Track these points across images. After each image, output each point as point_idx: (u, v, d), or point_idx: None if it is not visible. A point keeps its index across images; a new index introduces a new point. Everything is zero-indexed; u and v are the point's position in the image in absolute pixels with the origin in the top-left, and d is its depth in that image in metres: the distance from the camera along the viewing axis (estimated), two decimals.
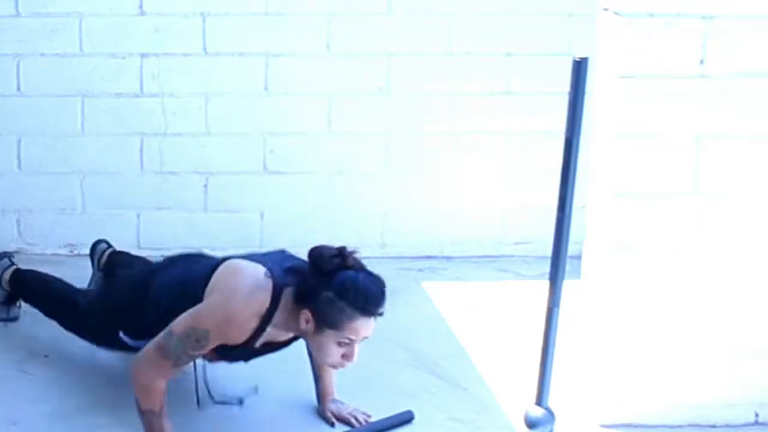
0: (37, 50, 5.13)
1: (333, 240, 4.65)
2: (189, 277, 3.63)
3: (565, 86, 3.32)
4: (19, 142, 5.22)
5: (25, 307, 4.66)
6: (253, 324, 3.41)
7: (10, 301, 4.44)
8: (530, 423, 3.52)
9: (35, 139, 5.22)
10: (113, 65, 5.19)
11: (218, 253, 5.04)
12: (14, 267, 4.45)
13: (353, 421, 3.75)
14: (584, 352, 3.89)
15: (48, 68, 5.15)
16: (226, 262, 3.59)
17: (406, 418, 3.79)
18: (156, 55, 5.18)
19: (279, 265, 3.49)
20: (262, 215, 5.32)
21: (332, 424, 3.76)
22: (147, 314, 3.66)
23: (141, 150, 5.24)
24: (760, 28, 3.57)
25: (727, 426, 3.79)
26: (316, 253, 3.41)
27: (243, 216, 5.31)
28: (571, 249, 3.43)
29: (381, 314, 3.41)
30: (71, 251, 5.30)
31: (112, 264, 4.59)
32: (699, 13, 3.54)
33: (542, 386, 3.50)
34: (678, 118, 3.61)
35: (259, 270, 3.47)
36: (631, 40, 3.54)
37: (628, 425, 3.76)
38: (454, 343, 4.45)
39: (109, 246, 4.69)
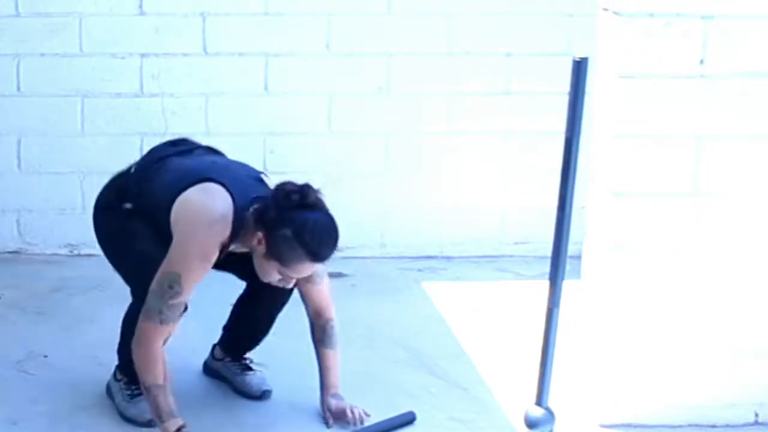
0: (37, 50, 5.14)
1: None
2: (171, 178, 3.62)
3: (565, 86, 3.32)
4: (19, 142, 5.23)
5: (24, 308, 4.67)
6: (216, 253, 3.47)
7: (135, 393, 3.77)
8: (530, 423, 3.51)
9: (35, 139, 5.22)
10: (113, 65, 5.19)
11: None
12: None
13: (349, 413, 3.74)
14: (584, 352, 3.89)
15: (48, 68, 5.15)
16: (187, 196, 3.53)
17: (408, 419, 3.79)
18: (156, 55, 5.18)
19: (245, 191, 3.52)
20: None
21: (327, 423, 3.76)
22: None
23: (141, 150, 5.22)
24: (760, 28, 3.57)
25: (727, 426, 3.78)
26: (279, 188, 3.47)
27: None
28: (571, 249, 3.42)
29: (328, 260, 3.47)
30: (71, 251, 5.30)
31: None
32: (699, 13, 3.54)
33: (542, 386, 3.50)
34: (678, 118, 3.61)
35: (220, 201, 3.49)
36: (631, 40, 3.54)
37: (628, 425, 3.76)
38: (454, 343, 4.45)
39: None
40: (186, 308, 3.54)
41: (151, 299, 3.46)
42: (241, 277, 3.81)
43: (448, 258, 5.43)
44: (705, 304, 3.70)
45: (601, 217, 3.73)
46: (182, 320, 3.59)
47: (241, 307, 3.93)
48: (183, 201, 3.54)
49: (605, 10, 3.66)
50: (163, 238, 3.55)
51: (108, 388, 3.85)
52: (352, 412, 3.75)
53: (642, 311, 3.70)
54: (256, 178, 3.67)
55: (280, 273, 3.47)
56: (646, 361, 3.73)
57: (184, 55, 5.19)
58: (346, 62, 5.26)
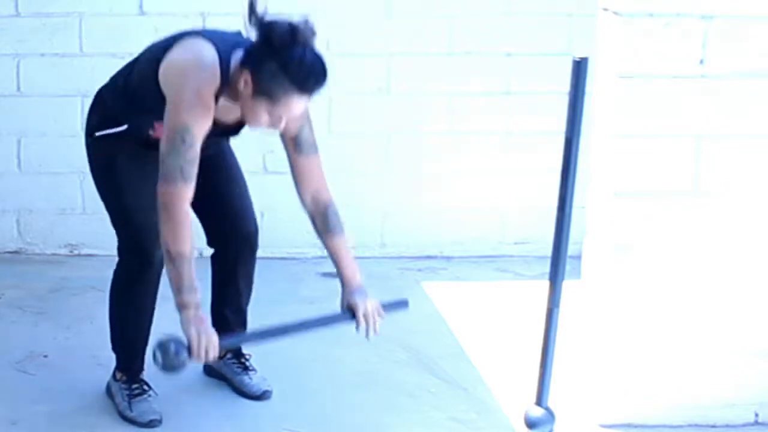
0: (37, 50, 5.13)
1: None
2: (150, 54, 3.64)
3: (565, 86, 3.32)
4: (19, 142, 5.23)
5: (24, 308, 4.67)
6: (213, 102, 3.42)
7: (136, 393, 3.79)
8: (530, 423, 3.52)
9: (35, 139, 5.22)
10: (113, 65, 5.17)
11: None
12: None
13: (361, 323, 3.56)
14: (584, 352, 3.89)
15: (48, 68, 5.15)
16: (171, 56, 3.51)
17: (401, 301, 3.73)
18: None
19: (227, 42, 3.49)
20: (262, 215, 5.29)
21: (357, 327, 3.58)
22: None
23: None
24: (760, 28, 3.57)
25: (727, 426, 3.78)
26: (268, 24, 3.40)
27: None
28: (571, 249, 3.43)
29: (316, 93, 3.43)
30: (71, 251, 5.30)
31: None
32: (699, 13, 3.54)
33: (542, 386, 3.50)
34: (678, 118, 3.61)
35: (204, 51, 3.46)
36: (631, 40, 3.54)
37: (628, 425, 3.76)
38: (454, 343, 4.45)
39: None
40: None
41: (167, 160, 3.38)
42: (211, 236, 3.88)
43: (448, 258, 5.43)
44: (705, 304, 3.70)
45: (601, 217, 3.73)
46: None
47: (218, 274, 3.91)
48: (168, 62, 3.49)
49: (605, 10, 3.66)
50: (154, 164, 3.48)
51: (108, 388, 3.85)
52: (365, 321, 3.57)
53: (642, 311, 3.70)
54: (235, 32, 3.60)
55: (268, 112, 3.39)
56: (646, 361, 3.73)
57: None
58: (346, 62, 5.25)
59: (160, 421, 3.69)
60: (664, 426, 3.76)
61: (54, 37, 5.13)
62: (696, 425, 3.77)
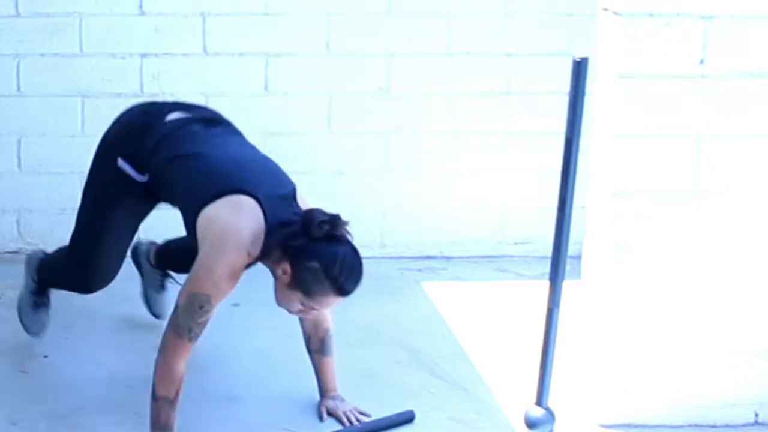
0: (37, 50, 5.13)
1: None
2: (199, 182, 3.57)
3: (565, 86, 3.33)
4: (19, 142, 5.23)
5: None
6: (244, 267, 3.46)
7: (39, 302, 4.29)
8: (530, 423, 3.52)
9: (35, 139, 5.22)
10: (113, 65, 5.19)
11: None
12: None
13: (344, 419, 3.75)
14: (584, 352, 3.89)
15: (48, 68, 5.15)
16: (217, 213, 3.47)
17: (407, 418, 3.79)
18: (156, 55, 5.18)
19: (277, 209, 3.45)
20: None
21: (320, 418, 3.78)
22: (146, 148, 3.70)
23: None
24: (760, 28, 3.57)
25: (727, 426, 3.79)
26: (308, 216, 3.41)
27: None
28: (571, 249, 3.43)
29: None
30: None
31: (163, 257, 4.45)
32: (699, 13, 3.54)
33: (542, 386, 3.50)
34: (678, 118, 3.61)
35: (252, 223, 3.43)
36: (631, 40, 3.54)
37: (628, 425, 3.76)
38: (454, 343, 4.45)
39: (152, 242, 4.53)
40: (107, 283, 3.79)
41: (181, 317, 3.44)
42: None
43: (448, 258, 5.43)
44: (705, 304, 3.70)
45: (601, 217, 3.73)
46: None
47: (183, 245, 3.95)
48: (211, 217, 3.48)
49: (605, 10, 3.66)
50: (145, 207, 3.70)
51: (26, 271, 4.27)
52: (349, 419, 3.75)
53: (642, 311, 3.70)
54: (290, 191, 3.57)
55: (302, 304, 3.43)
56: (646, 361, 3.73)
57: (184, 55, 5.19)
58: (346, 62, 5.26)
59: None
60: (664, 426, 3.76)
61: (54, 37, 5.13)
62: (696, 425, 3.77)
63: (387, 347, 4.36)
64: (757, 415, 3.81)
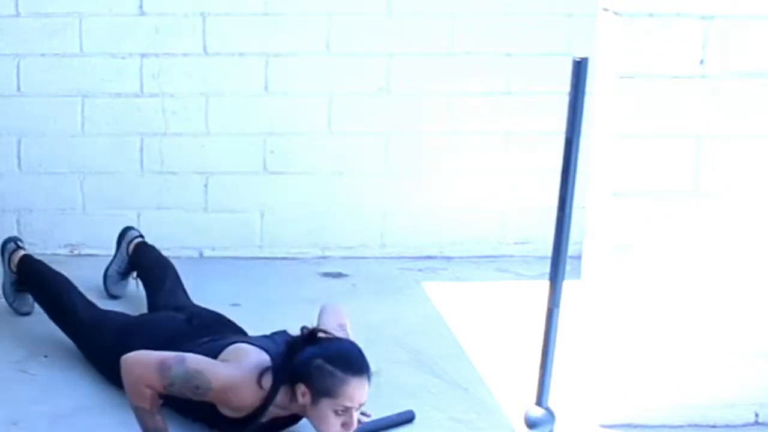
0: (37, 50, 5.13)
1: (334, 240, 4.68)
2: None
3: (565, 86, 3.33)
4: (19, 142, 5.23)
5: None
6: (250, 402, 3.47)
7: (21, 289, 4.54)
8: (530, 423, 3.52)
9: (35, 139, 5.22)
10: (113, 65, 5.19)
11: (219, 254, 5.07)
12: (23, 252, 4.57)
13: None
14: (584, 352, 3.89)
15: (48, 68, 5.15)
16: (236, 344, 3.61)
17: (407, 418, 3.79)
18: (156, 55, 5.18)
19: (277, 349, 3.54)
20: (262, 215, 5.32)
21: None
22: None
23: (141, 150, 5.24)
24: (760, 28, 3.57)
25: (727, 426, 3.78)
26: (293, 340, 3.51)
27: (243, 216, 5.31)
28: (571, 249, 3.43)
29: (371, 375, 3.45)
30: (71, 251, 5.30)
31: (138, 255, 4.68)
32: (699, 13, 3.54)
33: (542, 386, 3.50)
34: (678, 118, 3.61)
35: (263, 358, 3.51)
36: (631, 40, 3.54)
37: (628, 425, 3.76)
38: (454, 343, 4.45)
39: (141, 235, 4.77)
40: None
41: (179, 369, 3.43)
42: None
43: (448, 258, 5.43)
44: (705, 304, 3.70)
45: (601, 217, 3.73)
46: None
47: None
48: (238, 347, 3.57)
49: (605, 10, 3.66)
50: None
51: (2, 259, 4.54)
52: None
53: (642, 311, 3.70)
54: (283, 336, 3.64)
55: (335, 412, 3.39)
56: (646, 361, 3.73)
57: (184, 55, 5.19)
58: (346, 62, 5.26)
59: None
60: (664, 426, 3.76)
61: (54, 37, 5.13)
62: (696, 425, 3.77)
63: (387, 347, 4.36)
64: (757, 415, 3.81)
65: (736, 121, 3.62)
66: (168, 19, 5.15)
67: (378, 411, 3.80)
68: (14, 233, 5.23)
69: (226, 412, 3.51)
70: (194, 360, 3.47)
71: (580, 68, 3.26)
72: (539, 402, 3.51)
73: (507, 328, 4.59)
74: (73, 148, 5.23)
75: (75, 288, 4.25)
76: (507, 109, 5.33)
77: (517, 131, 5.36)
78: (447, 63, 5.29)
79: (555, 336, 3.45)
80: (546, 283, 3.45)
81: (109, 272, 4.74)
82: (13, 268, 4.53)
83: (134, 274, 4.68)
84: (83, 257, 5.22)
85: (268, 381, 3.45)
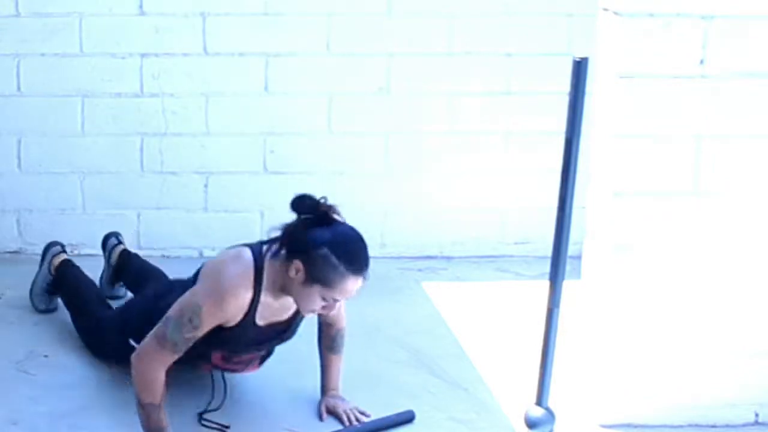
0: (37, 50, 5.13)
1: None
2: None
3: (565, 86, 3.32)
4: (19, 142, 5.23)
5: (24, 308, 4.67)
6: (244, 293, 3.46)
7: (52, 291, 4.55)
8: (530, 423, 3.52)
9: (35, 139, 5.22)
10: (113, 65, 5.19)
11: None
12: (64, 256, 4.59)
13: (344, 418, 3.75)
14: (584, 352, 3.89)
15: (48, 68, 5.15)
16: (216, 257, 3.67)
17: (407, 418, 3.79)
18: (156, 55, 5.18)
19: (256, 245, 3.58)
20: (262, 215, 5.32)
21: (320, 417, 3.78)
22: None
23: (141, 150, 5.24)
24: (760, 28, 3.57)
25: (727, 426, 3.79)
26: (298, 201, 3.44)
27: (243, 216, 5.31)
28: (571, 249, 3.43)
29: (368, 272, 3.44)
30: (71, 251, 5.29)
31: (123, 265, 4.66)
32: (699, 13, 3.54)
33: (542, 386, 3.50)
34: (678, 118, 3.61)
35: (238, 251, 3.55)
36: (631, 40, 3.54)
37: (628, 425, 3.76)
38: (454, 343, 4.45)
39: (119, 242, 4.76)
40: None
41: (169, 326, 3.45)
42: None
43: (448, 258, 5.43)
44: (705, 304, 3.70)
45: (601, 217, 3.73)
46: None
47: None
48: (210, 262, 3.61)
49: (605, 10, 3.66)
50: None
51: (42, 262, 4.52)
52: (349, 418, 3.75)
53: (642, 311, 3.70)
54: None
55: (323, 298, 3.42)
56: (646, 361, 3.73)
57: (184, 55, 5.19)
58: (346, 62, 5.26)
59: None
60: (664, 426, 3.76)
61: (54, 37, 5.12)
62: (696, 425, 3.77)
63: (387, 347, 4.36)
64: (757, 415, 3.81)
65: (736, 121, 3.62)
66: (168, 19, 5.15)
67: (378, 411, 3.81)
68: (14, 233, 5.24)
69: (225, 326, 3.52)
70: (174, 306, 3.47)
71: (580, 68, 3.26)
72: (539, 402, 3.51)
73: (507, 328, 4.59)
74: (73, 148, 5.23)
75: (103, 302, 4.32)
76: (507, 109, 5.33)
77: (517, 131, 5.36)
78: (447, 63, 5.29)
79: (555, 336, 3.45)
80: (546, 283, 3.44)
81: (103, 280, 4.72)
82: (52, 270, 4.55)
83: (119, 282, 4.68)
84: (83, 257, 5.21)
85: (249, 265, 3.45)
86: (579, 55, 3.30)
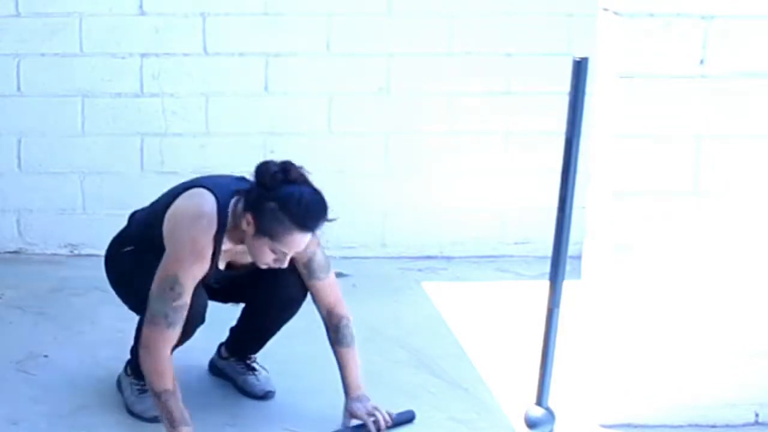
0: (37, 50, 5.13)
1: (334, 240, 4.67)
2: (156, 211, 3.71)
3: (565, 86, 3.32)
4: (19, 142, 5.23)
5: (24, 308, 4.67)
6: (208, 247, 3.51)
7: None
8: (530, 423, 3.52)
9: (35, 139, 5.22)
10: (113, 65, 5.19)
11: None
12: None
13: (369, 422, 3.66)
14: (584, 352, 3.89)
15: (48, 68, 5.15)
16: (172, 207, 3.63)
17: (407, 418, 3.79)
18: (156, 55, 5.18)
19: (227, 188, 3.60)
20: None
21: (347, 426, 3.70)
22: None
23: (141, 150, 5.24)
24: (760, 28, 3.57)
25: (727, 426, 3.78)
26: (261, 167, 3.53)
27: None
28: (571, 249, 3.43)
29: (319, 229, 3.50)
30: (71, 251, 5.30)
31: None
32: (699, 13, 3.54)
33: (542, 386, 3.50)
34: (678, 118, 3.61)
35: (203, 199, 3.57)
36: (631, 40, 3.54)
37: (628, 425, 3.76)
38: (454, 343, 4.45)
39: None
40: (203, 320, 3.60)
41: (154, 304, 3.47)
42: (248, 300, 3.86)
43: (448, 258, 5.43)
44: (705, 304, 3.70)
45: (601, 217, 3.73)
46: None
47: (248, 314, 3.93)
48: (169, 213, 3.62)
49: (605, 10, 3.66)
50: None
51: (118, 382, 3.88)
52: (376, 422, 3.67)
53: (642, 311, 3.70)
54: (239, 178, 3.70)
55: (272, 250, 3.48)
56: (646, 361, 3.73)
57: (184, 55, 5.19)
58: (346, 62, 5.26)
59: None
60: (664, 426, 3.76)
61: (54, 37, 5.13)
62: (696, 425, 3.77)
63: (387, 347, 4.36)
64: (757, 415, 3.80)
65: (736, 121, 3.62)
66: (168, 19, 5.16)
67: None
68: (14, 233, 5.25)
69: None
70: (155, 285, 3.48)
71: (580, 68, 3.26)
72: (539, 402, 3.51)
73: (507, 328, 4.59)
74: (73, 148, 5.23)
75: None
76: (507, 109, 5.34)
77: (517, 131, 5.36)
78: (447, 63, 5.29)
79: (555, 336, 3.45)
80: (546, 283, 3.44)
81: (240, 384, 4.04)
82: (130, 372, 3.88)
83: (249, 360, 4.09)
84: (83, 257, 5.22)
85: (212, 221, 3.49)
86: (579, 55, 3.30)
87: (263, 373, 3.97)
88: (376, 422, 3.67)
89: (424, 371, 4.19)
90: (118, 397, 3.83)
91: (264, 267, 3.57)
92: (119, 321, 4.37)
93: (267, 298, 3.79)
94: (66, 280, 4.99)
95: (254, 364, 3.99)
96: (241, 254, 3.63)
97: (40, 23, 5.11)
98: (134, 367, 3.79)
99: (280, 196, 3.45)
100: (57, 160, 5.23)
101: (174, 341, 3.48)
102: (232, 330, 4.01)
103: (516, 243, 5.46)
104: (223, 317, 3.98)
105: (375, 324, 4.55)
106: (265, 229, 3.45)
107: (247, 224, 3.48)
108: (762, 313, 3.73)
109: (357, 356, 3.76)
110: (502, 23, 5.27)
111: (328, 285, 3.75)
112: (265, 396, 3.92)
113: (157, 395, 3.46)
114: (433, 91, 5.31)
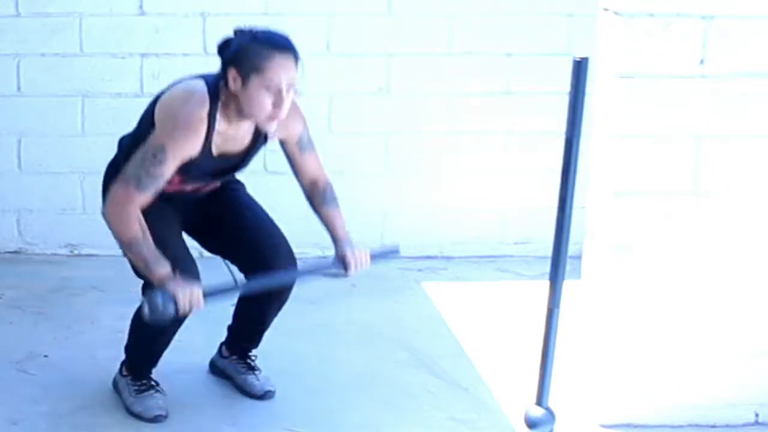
0: (37, 50, 5.13)
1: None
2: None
3: (565, 86, 3.32)
4: (19, 142, 5.23)
5: (24, 308, 4.67)
6: (202, 123, 3.51)
7: (141, 384, 3.86)
8: (530, 423, 3.51)
9: (35, 139, 5.22)
10: (113, 65, 5.19)
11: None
12: None
13: (350, 260, 3.81)
14: (584, 352, 3.89)
15: (48, 68, 5.16)
16: (158, 103, 3.64)
17: (392, 250, 3.87)
18: (156, 55, 5.18)
19: (210, 75, 3.64)
20: None
21: (344, 268, 3.84)
22: None
23: None
24: (760, 28, 3.57)
25: (727, 426, 3.78)
26: (220, 45, 3.61)
27: None
28: (571, 249, 3.42)
29: (297, 55, 3.55)
30: (71, 251, 5.30)
31: None
32: (699, 13, 3.54)
33: (542, 386, 3.49)
34: (678, 118, 3.61)
35: (192, 82, 3.62)
36: (631, 40, 3.54)
37: (628, 425, 3.76)
38: (454, 343, 4.45)
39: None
40: (198, 277, 3.57)
41: (131, 166, 3.48)
42: (244, 268, 3.81)
43: (448, 258, 5.43)
44: (705, 304, 3.70)
45: (601, 217, 3.73)
46: (186, 320, 3.60)
47: (242, 305, 3.93)
48: (161, 101, 3.62)
49: (605, 10, 3.66)
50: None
51: (115, 384, 3.87)
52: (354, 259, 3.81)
53: (642, 311, 3.70)
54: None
55: (266, 88, 3.48)
56: (646, 361, 3.73)
57: (184, 55, 5.19)
58: (346, 62, 5.26)
59: (165, 417, 3.71)
60: (664, 426, 3.76)
61: (54, 37, 5.13)
62: (696, 425, 3.77)
63: (387, 347, 4.36)
64: (757, 415, 3.81)
65: (736, 121, 3.62)
66: (168, 19, 5.16)
67: (378, 411, 3.81)
68: (14, 233, 5.25)
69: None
70: (139, 151, 3.50)
71: (580, 68, 3.25)
72: (539, 402, 3.50)
73: (507, 328, 4.59)
74: (73, 148, 5.23)
75: None
76: (507, 109, 5.34)
77: (517, 131, 5.36)
78: (447, 63, 5.29)
79: (555, 336, 3.44)
80: (546, 283, 3.44)
81: (240, 384, 4.01)
82: (125, 372, 3.87)
83: (249, 358, 4.06)
84: (83, 257, 5.22)
85: (203, 94, 3.53)
86: (579, 55, 3.30)
87: (262, 372, 3.97)
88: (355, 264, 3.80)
89: (424, 371, 4.19)
90: (118, 397, 3.83)
91: (266, 123, 3.57)
92: (119, 321, 4.37)
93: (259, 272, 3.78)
94: (66, 280, 4.99)
95: (253, 363, 3.99)
96: (232, 141, 3.63)
97: (40, 23, 5.11)
98: (129, 367, 3.80)
99: (246, 37, 3.53)
100: (57, 160, 5.24)
101: (140, 205, 3.45)
102: (230, 327, 4.01)
103: (516, 243, 5.46)
104: (223, 317, 3.98)
105: (375, 324, 4.55)
106: (249, 68, 3.48)
107: (233, 80, 3.50)
108: (762, 313, 3.73)
109: (342, 213, 3.90)
110: (502, 23, 5.27)
111: (315, 157, 3.90)
112: (265, 396, 3.92)
113: (127, 245, 3.45)
114: (433, 91, 5.31)
